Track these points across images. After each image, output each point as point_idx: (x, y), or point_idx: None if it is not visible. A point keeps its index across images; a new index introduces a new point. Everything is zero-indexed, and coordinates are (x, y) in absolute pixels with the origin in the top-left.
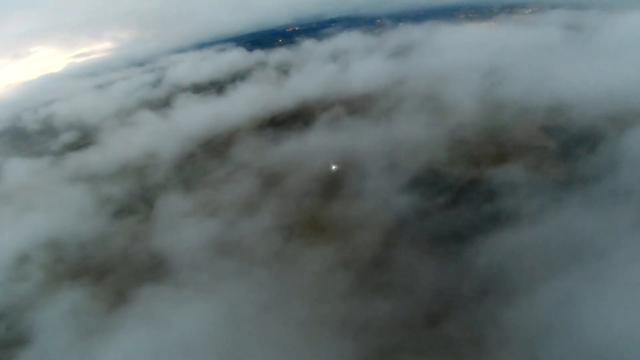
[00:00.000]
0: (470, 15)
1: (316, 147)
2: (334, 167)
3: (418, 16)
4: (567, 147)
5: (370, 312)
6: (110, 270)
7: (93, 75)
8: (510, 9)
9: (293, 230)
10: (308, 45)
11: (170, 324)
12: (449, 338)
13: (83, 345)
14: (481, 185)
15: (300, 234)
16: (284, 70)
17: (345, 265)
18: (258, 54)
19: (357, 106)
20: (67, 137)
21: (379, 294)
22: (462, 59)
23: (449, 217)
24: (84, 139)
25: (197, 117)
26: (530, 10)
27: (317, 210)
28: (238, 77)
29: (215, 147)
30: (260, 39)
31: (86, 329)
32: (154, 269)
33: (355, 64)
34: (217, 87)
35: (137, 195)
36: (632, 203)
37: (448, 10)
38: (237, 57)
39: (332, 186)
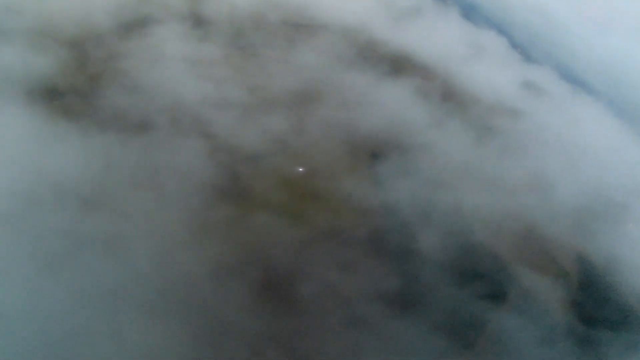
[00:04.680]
0: None
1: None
2: (300, 170)
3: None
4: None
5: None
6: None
7: None
8: None
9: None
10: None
11: None
12: None
13: None
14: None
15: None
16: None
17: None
18: None
19: (455, 104)
20: None
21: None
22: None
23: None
24: None
25: None
26: None
27: (318, 174)
28: None
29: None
30: None
31: None
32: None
33: (486, 65)
34: None
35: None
36: None
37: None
38: None
39: (354, 158)
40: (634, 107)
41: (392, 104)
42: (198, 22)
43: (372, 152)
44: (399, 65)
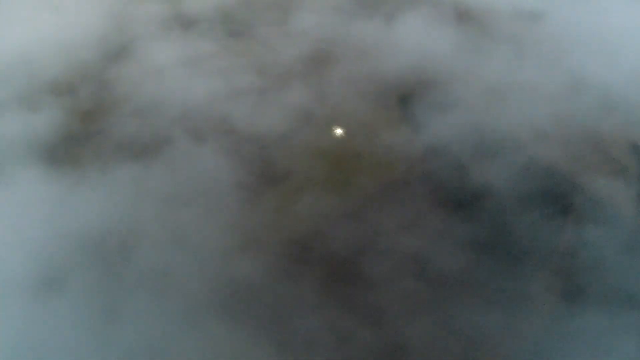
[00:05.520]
0: None
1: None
2: (339, 131)
3: None
4: None
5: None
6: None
7: None
8: None
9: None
10: None
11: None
12: None
13: None
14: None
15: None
16: None
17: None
18: None
19: (473, 22)
20: None
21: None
22: None
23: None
24: None
25: None
26: None
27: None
28: None
29: None
30: None
31: None
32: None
33: None
34: None
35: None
36: None
37: None
38: None
39: (387, 108)
40: None
41: (408, 41)
42: (185, 24)
43: (403, 96)
44: None
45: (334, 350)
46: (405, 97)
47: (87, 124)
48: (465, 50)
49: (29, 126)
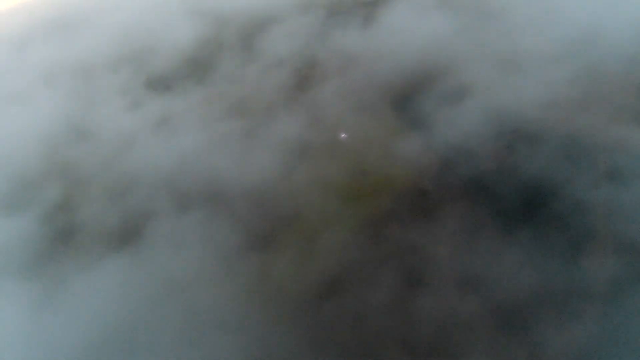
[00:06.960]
0: None
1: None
2: (343, 136)
3: None
4: None
5: None
6: None
7: None
8: None
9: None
10: None
11: None
12: None
13: None
14: None
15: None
16: None
17: None
18: None
19: (458, 5)
20: None
21: None
22: None
23: None
24: None
25: None
26: None
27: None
28: None
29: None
30: None
31: None
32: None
33: None
34: None
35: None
36: None
37: None
38: None
39: (388, 116)
40: None
41: (394, 39)
42: (155, 85)
43: (403, 100)
44: None
45: None
46: (405, 99)
47: (65, 219)
48: (456, 37)
49: (9, 233)
